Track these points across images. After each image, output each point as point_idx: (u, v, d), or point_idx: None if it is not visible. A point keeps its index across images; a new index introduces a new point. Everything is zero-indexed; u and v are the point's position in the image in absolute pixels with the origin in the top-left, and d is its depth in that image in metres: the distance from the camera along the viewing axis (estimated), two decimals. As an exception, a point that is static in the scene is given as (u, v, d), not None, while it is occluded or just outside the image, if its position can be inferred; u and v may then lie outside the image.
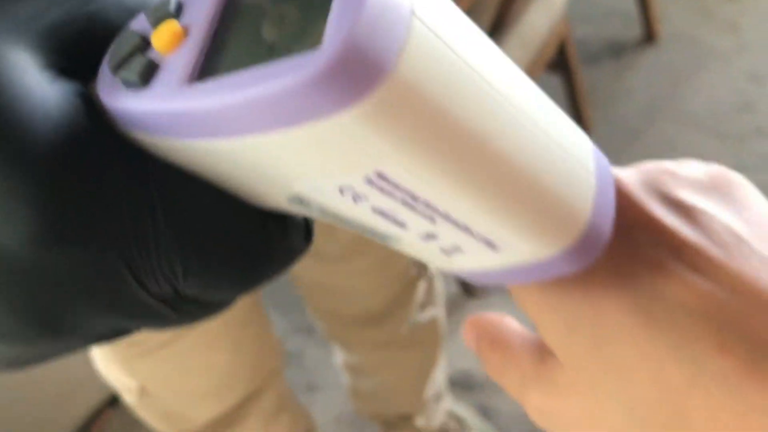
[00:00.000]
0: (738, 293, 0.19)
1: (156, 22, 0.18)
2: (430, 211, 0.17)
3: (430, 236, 0.18)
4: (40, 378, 1.34)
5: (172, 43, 0.17)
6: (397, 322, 1.01)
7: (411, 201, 0.16)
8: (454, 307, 1.55)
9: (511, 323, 0.25)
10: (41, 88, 0.17)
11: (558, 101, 1.82)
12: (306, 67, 0.13)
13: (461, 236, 0.18)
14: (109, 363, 0.87)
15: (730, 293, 0.20)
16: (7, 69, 0.17)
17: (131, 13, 0.20)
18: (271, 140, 0.15)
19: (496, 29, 1.20)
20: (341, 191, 0.16)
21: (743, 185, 0.23)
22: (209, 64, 0.16)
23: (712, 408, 0.19)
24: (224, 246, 0.19)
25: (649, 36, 1.96)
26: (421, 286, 1.00)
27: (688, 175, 0.22)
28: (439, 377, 1.24)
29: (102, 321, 0.19)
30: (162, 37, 0.17)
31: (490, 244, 0.18)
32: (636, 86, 1.85)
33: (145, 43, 0.18)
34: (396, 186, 0.16)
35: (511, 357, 0.24)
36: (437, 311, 1.08)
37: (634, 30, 2.00)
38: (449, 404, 1.32)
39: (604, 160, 0.21)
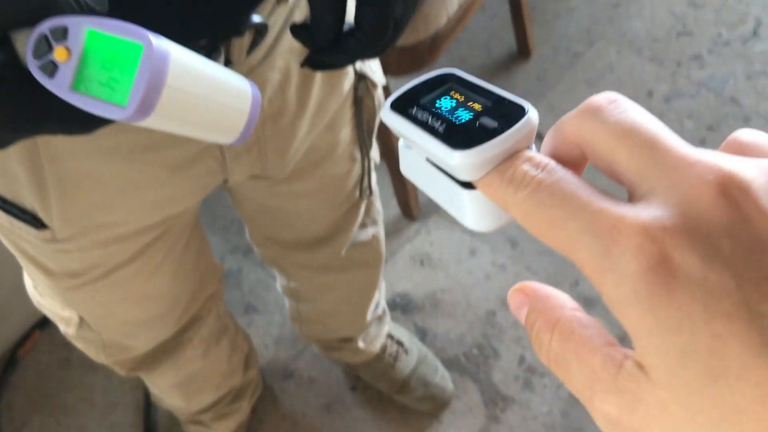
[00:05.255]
0: None
1: (56, 39, 0.36)
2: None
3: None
4: (-36, 302, 1.28)
5: (62, 59, 0.36)
6: (337, 247, 0.99)
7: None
8: (393, 231, 1.54)
9: (568, 301, 0.23)
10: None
11: (503, 18, 1.78)
12: (121, 112, 0.36)
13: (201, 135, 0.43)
14: (44, 295, 0.83)
15: None
16: None
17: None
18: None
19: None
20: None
21: None
22: (76, 81, 0.37)
23: None
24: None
25: (593, -47, 1.93)
26: (362, 208, 0.98)
27: None
28: (380, 299, 1.24)
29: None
30: (58, 55, 0.36)
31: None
32: (578, 6, 1.83)
33: (49, 48, 0.36)
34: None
35: (576, 351, 0.22)
36: (377, 230, 1.06)
37: (578, -54, 1.96)
38: (389, 327, 1.33)
39: (258, 94, 0.43)
